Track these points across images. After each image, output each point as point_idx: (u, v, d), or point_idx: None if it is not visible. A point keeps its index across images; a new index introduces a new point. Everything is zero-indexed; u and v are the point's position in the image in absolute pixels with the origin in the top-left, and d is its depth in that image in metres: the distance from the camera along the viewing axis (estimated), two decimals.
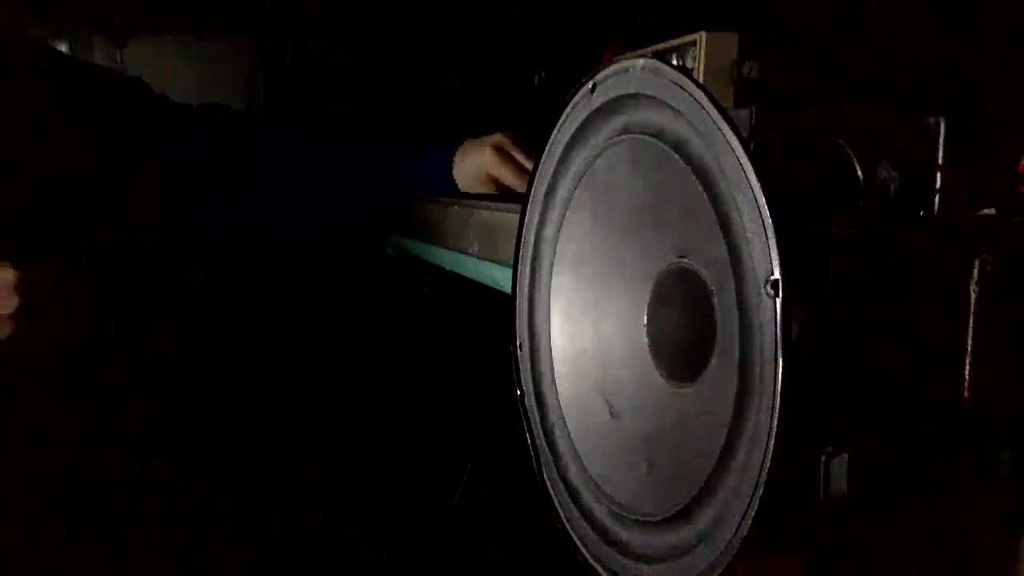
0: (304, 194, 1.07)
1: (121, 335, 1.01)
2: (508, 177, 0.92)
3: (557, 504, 0.81)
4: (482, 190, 0.83)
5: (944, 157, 0.69)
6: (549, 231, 0.84)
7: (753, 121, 0.74)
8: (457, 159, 1.00)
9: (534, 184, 0.86)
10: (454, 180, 1.01)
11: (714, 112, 0.59)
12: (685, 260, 0.66)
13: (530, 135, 0.88)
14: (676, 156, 0.64)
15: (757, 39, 0.80)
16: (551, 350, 0.84)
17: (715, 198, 0.60)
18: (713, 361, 0.62)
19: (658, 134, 0.67)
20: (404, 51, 1.79)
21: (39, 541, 0.98)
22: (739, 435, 0.57)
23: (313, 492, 1.63)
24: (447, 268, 1.47)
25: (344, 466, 1.73)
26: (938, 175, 0.69)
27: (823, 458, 0.64)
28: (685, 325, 0.67)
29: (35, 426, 0.96)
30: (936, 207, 0.70)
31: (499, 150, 0.95)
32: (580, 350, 0.81)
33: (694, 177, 0.62)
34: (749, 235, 0.56)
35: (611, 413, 0.76)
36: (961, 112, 0.70)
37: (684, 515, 0.63)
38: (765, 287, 0.54)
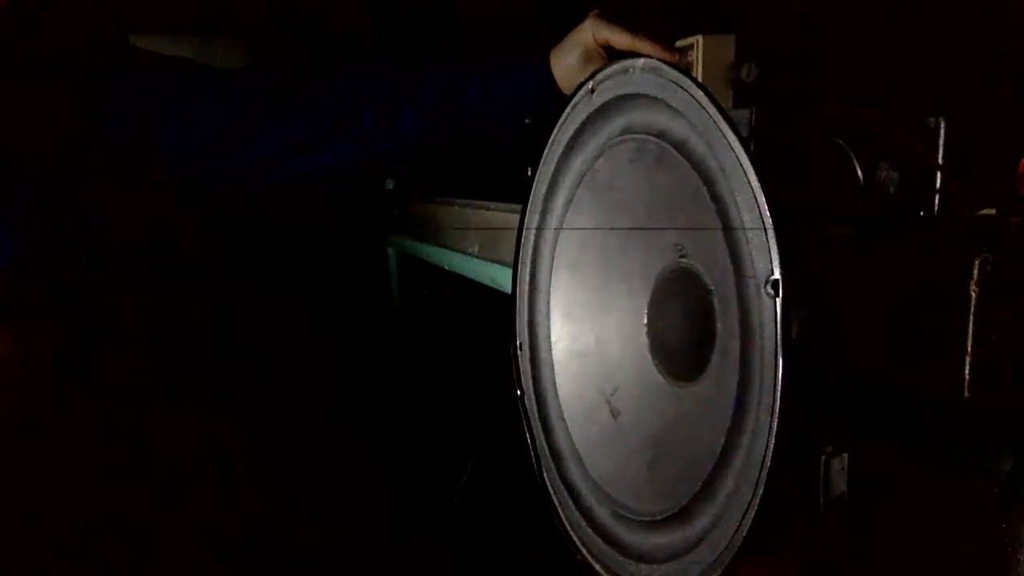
0: (358, 112, 1.03)
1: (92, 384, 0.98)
2: (622, 37, 0.87)
3: (558, 504, 0.81)
4: (589, 71, 0.77)
5: (944, 157, 0.69)
6: (549, 231, 0.84)
7: (753, 121, 0.74)
8: (554, 56, 0.95)
9: (534, 184, 0.86)
10: (545, 91, 0.95)
11: (714, 112, 0.59)
12: (685, 260, 0.66)
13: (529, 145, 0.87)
14: (677, 156, 0.64)
15: (755, 40, 0.80)
16: (551, 350, 0.84)
17: (715, 198, 0.60)
18: (713, 360, 0.62)
19: (659, 135, 0.67)
20: (404, 52, 1.79)
21: None
22: (739, 434, 0.57)
23: (313, 492, 1.64)
24: (447, 268, 1.48)
25: (345, 466, 1.73)
26: (938, 175, 0.69)
27: (823, 458, 0.64)
28: (685, 325, 0.67)
29: None
30: (936, 207, 0.70)
31: (601, 16, 0.91)
32: (580, 350, 0.81)
33: (695, 177, 0.62)
34: (749, 235, 0.56)
35: (612, 413, 0.76)
36: (961, 112, 0.70)
37: (684, 515, 0.63)
38: (765, 287, 0.54)
